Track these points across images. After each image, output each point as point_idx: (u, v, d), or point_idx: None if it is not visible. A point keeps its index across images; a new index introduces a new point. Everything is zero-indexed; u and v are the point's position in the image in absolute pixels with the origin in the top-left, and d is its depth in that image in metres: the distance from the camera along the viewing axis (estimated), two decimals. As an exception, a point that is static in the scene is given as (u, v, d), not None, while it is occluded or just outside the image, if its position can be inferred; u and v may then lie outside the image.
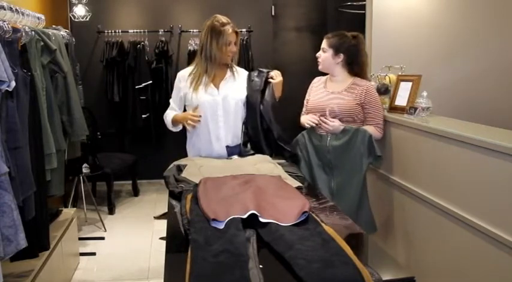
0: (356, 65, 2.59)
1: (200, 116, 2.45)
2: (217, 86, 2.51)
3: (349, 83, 2.58)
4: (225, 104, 2.50)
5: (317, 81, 2.74)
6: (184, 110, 2.60)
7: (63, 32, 3.00)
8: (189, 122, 2.43)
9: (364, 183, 2.53)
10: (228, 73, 2.56)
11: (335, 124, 2.48)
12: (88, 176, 4.01)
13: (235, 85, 2.56)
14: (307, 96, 2.74)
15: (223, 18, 2.47)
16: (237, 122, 2.57)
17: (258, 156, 2.46)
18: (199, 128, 2.52)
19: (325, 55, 2.59)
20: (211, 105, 2.49)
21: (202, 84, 2.48)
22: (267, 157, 2.43)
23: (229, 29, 2.44)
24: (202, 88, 2.48)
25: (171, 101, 2.64)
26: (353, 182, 2.49)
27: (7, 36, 1.97)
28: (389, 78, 2.93)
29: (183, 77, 2.55)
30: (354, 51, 2.57)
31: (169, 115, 2.60)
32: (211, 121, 2.50)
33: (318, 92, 2.66)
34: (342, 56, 2.56)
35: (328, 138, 2.51)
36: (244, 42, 4.99)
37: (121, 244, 3.62)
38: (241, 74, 2.62)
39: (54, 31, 2.79)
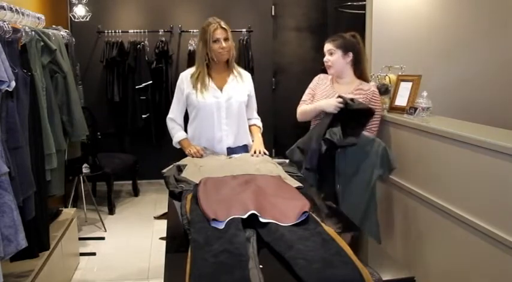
0: (361, 64, 2.59)
1: (204, 149, 2.49)
2: (220, 88, 2.52)
3: (355, 85, 2.56)
4: (229, 106, 2.52)
5: (324, 79, 2.68)
6: (186, 113, 2.62)
7: (63, 32, 3.00)
8: (191, 155, 2.46)
9: (372, 194, 2.45)
10: (231, 75, 2.57)
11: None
12: (88, 176, 4.01)
13: (239, 87, 2.57)
14: (311, 90, 2.67)
15: (212, 19, 2.49)
16: (241, 124, 2.59)
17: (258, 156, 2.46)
18: (202, 130, 2.54)
19: (334, 57, 2.54)
20: (215, 107, 2.50)
21: (205, 86, 2.49)
22: (267, 157, 2.44)
23: (213, 25, 2.44)
24: (206, 90, 2.49)
25: (173, 107, 2.63)
26: (360, 191, 2.43)
27: (7, 36, 1.97)
28: (389, 78, 2.93)
29: (186, 78, 2.57)
30: (359, 49, 2.58)
31: (177, 134, 2.60)
32: (215, 123, 2.52)
33: (326, 92, 2.61)
34: (351, 54, 2.55)
35: None
36: (244, 42, 4.98)
37: (121, 244, 3.62)
38: (245, 76, 2.63)
39: (54, 31, 2.79)
